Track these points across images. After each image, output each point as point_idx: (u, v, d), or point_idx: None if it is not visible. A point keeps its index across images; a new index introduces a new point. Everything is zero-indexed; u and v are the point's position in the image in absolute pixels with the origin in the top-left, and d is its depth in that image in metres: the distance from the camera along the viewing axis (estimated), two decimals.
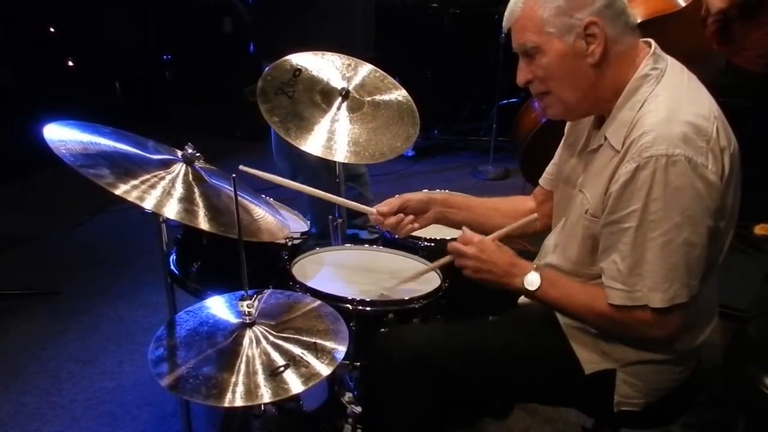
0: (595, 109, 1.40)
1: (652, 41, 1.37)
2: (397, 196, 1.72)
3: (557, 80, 1.34)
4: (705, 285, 1.35)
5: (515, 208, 1.77)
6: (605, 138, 1.34)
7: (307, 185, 1.76)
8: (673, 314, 1.29)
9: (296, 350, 1.27)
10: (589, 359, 1.42)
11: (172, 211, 1.39)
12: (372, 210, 1.70)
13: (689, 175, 1.21)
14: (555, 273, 1.47)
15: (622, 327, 1.35)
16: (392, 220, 1.66)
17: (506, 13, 1.37)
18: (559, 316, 1.47)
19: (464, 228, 1.53)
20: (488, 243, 1.46)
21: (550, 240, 1.60)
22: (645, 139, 1.23)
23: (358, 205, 1.75)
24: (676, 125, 1.23)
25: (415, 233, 1.75)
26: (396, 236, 1.75)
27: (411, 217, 1.68)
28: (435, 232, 1.86)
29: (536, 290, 1.40)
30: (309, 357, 1.26)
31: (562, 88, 1.35)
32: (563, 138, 1.60)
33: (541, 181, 1.71)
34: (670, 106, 1.26)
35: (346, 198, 1.87)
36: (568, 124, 1.58)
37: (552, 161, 1.67)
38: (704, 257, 1.27)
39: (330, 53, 2.09)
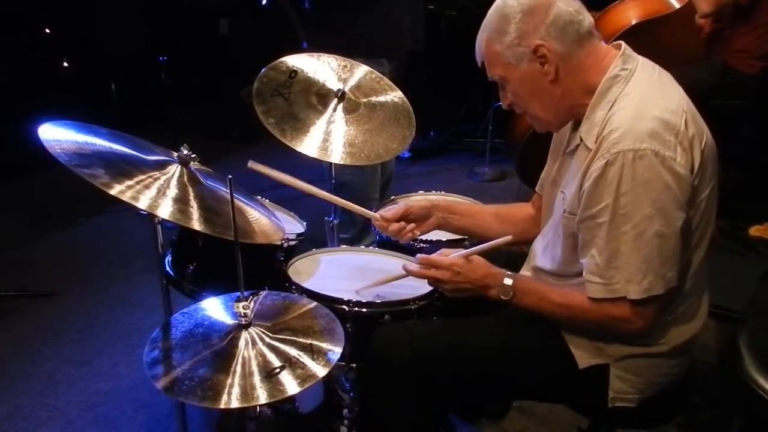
0: (573, 115, 1.44)
1: (623, 43, 1.41)
2: (400, 202, 1.75)
3: (527, 101, 1.44)
4: (690, 279, 1.37)
5: (514, 214, 1.80)
6: (581, 138, 1.38)
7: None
8: (648, 307, 1.31)
9: (292, 351, 1.27)
10: (583, 354, 1.44)
11: (165, 211, 1.39)
12: (376, 215, 1.73)
13: (657, 168, 1.24)
14: (527, 279, 1.51)
15: (599, 323, 1.37)
16: (394, 227, 1.71)
17: (476, 50, 1.47)
18: None
19: (420, 256, 1.52)
20: (459, 263, 1.47)
21: (537, 243, 1.62)
22: (613, 136, 1.27)
23: (361, 208, 1.76)
24: (644, 121, 1.26)
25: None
26: (397, 241, 1.77)
27: (412, 225, 1.72)
28: (436, 234, 1.87)
29: (510, 299, 1.44)
30: (305, 358, 1.26)
31: (533, 108, 1.44)
32: (552, 143, 1.62)
33: (537, 187, 1.74)
34: (638, 103, 1.30)
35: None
36: None
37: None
38: (679, 249, 1.29)
39: (326, 55, 2.09)
